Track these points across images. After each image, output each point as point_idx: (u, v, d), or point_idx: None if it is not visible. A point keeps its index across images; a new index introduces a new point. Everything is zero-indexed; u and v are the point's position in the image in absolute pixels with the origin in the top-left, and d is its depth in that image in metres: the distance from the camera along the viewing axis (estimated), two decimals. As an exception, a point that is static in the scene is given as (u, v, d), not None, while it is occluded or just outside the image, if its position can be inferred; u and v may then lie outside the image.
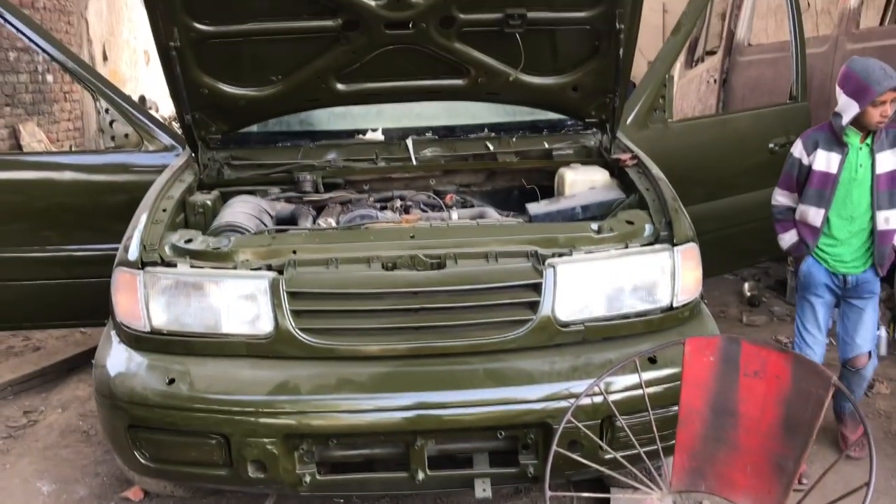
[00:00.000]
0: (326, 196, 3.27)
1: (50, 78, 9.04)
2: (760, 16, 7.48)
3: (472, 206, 3.31)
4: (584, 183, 3.15)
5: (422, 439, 2.33)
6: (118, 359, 2.49)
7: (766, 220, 4.44)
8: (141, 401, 2.36)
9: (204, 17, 2.89)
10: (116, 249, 3.31)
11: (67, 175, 3.70)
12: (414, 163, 3.41)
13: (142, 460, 2.45)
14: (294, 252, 2.47)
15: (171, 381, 2.36)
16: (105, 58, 10.66)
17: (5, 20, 3.57)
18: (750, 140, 4.21)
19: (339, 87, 3.21)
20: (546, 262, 2.44)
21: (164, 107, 12.15)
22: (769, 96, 5.96)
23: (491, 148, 3.50)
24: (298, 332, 2.36)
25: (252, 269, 2.44)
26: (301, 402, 2.30)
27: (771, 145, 4.21)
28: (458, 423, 2.32)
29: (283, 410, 2.29)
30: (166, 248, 2.54)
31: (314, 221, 3.06)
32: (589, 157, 3.48)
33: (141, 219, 2.72)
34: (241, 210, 2.92)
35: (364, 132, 3.58)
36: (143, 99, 10.94)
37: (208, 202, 3.04)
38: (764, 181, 4.34)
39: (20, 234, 3.70)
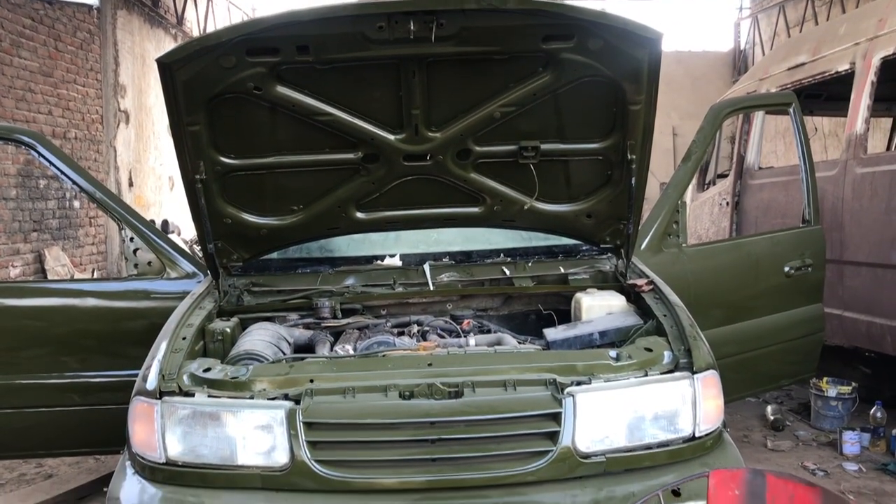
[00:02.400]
0: (344, 322, 3.30)
1: (77, 204, 9.33)
2: (769, 139, 7.67)
3: (489, 331, 3.32)
4: (600, 308, 3.16)
5: None
6: (132, 491, 2.46)
7: (786, 344, 4.44)
8: (154, 538, 2.31)
9: (229, 152, 3.00)
10: (134, 375, 3.33)
11: (90, 302, 3.76)
12: (431, 288, 3.45)
13: None
14: (311, 381, 2.47)
15: (188, 516, 2.32)
16: (131, 184, 11.00)
17: (40, 154, 3.72)
18: (765, 263, 4.24)
19: (359, 215, 3.30)
20: (565, 391, 2.42)
21: (187, 231, 12.42)
22: (782, 218, 6.03)
23: (507, 273, 3.54)
24: (314, 464, 2.33)
25: (268, 399, 2.44)
26: (320, 538, 2.24)
27: (786, 269, 4.23)
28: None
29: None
30: (184, 378, 2.55)
31: (332, 348, 3.07)
32: (605, 282, 3.51)
33: (160, 347, 2.74)
34: (260, 338, 2.94)
35: (382, 258, 3.63)
36: (165, 223, 11.21)
37: (227, 329, 3.07)
38: (781, 304, 4.35)
39: (40, 360, 3.72)
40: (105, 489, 4.54)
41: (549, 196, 3.28)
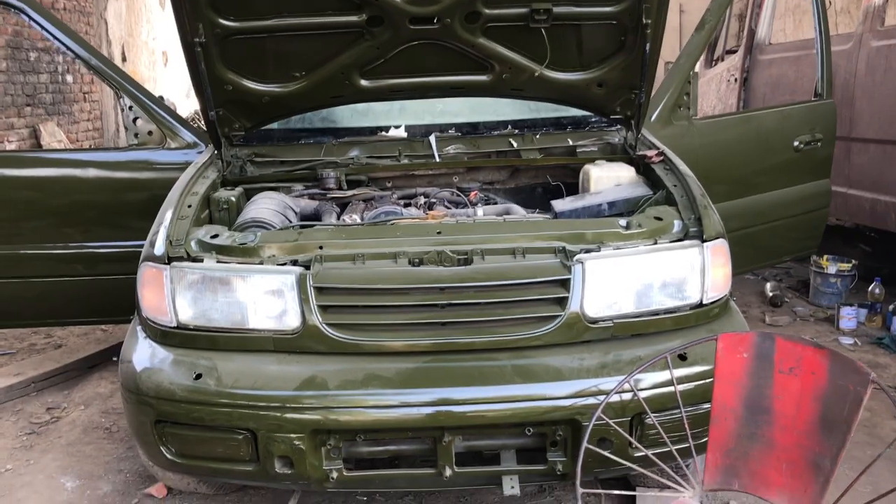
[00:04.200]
0: (350, 193, 3.26)
1: (70, 78, 9.10)
2: (779, 15, 7.43)
3: (496, 203, 3.29)
4: (609, 179, 3.12)
5: (449, 435, 2.31)
6: (144, 354, 2.48)
7: (790, 219, 4.43)
8: (168, 396, 2.35)
9: (228, 13, 2.88)
10: (138, 246, 3.32)
11: (90, 172, 3.71)
12: (437, 160, 3.40)
13: (168, 456, 2.45)
14: (320, 247, 2.46)
15: (198, 377, 2.35)
16: (124, 58, 10.71)
17: (31, 18, 3.59)
18: (775, 138, 4.18)
19: (363, 83, 3.20)
20: (574, 259, 2.42)
21: (182, 107, 12.20)
22: (791, 94, 5.91)
23: (514, 145, 3.48)
24: (325, 327, 2.35)
25: (278, 265, 2.44)
26: (328, 397, 2.28)
27: (796, 143, 4.17)
28: (485, 420, 2.29)
29: (311, 406, 2.27)
30: (192, 244, 2.53)
31: (338, 218, 3.05)
32: (613, 154, 3.46)
33: (166, 215, 2.71)
34: (266, 206, 2.92)
35: (386, 129, 3.56)
36: (161, 99, 11.00)
37: (232, 198, 3.04)
38: (788, 179, 4.32)
39: (42, 231, 3.71)
40: (115, 358, 4.66)
41: (560, 64, 3.17)
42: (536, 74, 3.17)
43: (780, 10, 7.02)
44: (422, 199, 3.17)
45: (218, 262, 2.48)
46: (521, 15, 2.96)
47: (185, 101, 12.50)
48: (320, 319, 2.35)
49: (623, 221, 2.57)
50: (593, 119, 3.63)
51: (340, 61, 3.09)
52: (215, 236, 2.56)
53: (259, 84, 3.17)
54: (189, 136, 3.67)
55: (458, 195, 3.18)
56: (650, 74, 3.13)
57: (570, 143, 3.51)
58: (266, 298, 2.41)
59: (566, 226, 2.61)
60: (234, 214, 3.03)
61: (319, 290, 2.37)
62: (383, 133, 3.55)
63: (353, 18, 2.93)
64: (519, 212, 2.92)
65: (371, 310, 2.39)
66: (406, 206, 3.16)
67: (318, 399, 2.28)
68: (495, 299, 2.37)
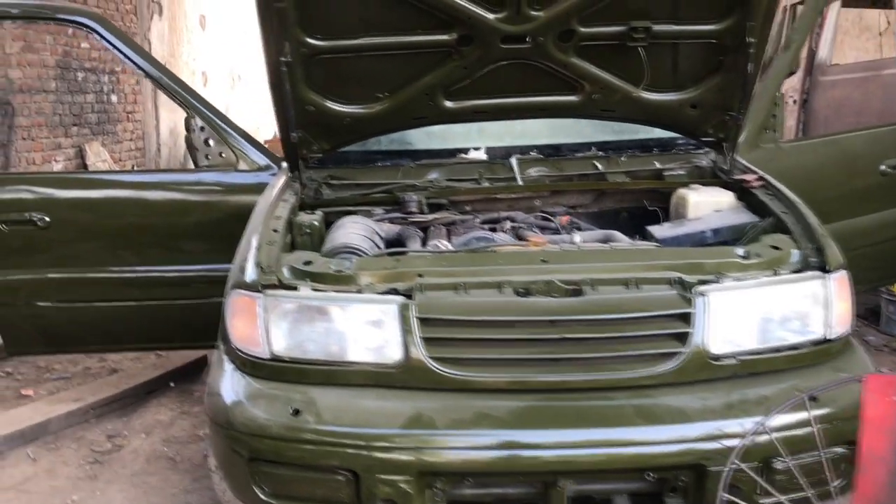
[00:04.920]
0: (431, 217, 3.14)
1: (115, 98, 9.12)
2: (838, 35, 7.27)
3: (581, 228, 3.15)
4: (708, 205, 2.97)
5: (563, 480, 2.16)
6: (235, 387, 2.36)
7: (874, 247, 4.25)
8: (263, 433, 2.22)
9: (316, 32, 2.80)
10: (208, 271, 3.22)
11: (159, 194, 3.62)
12: (520, 182, 3.27)
13: (261, 495, 2.31)
14: (420, 275, 2.34)
15: (297, 412, 2.22)
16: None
17: (102, 37, 3.52)
18: (861, 161, 4.01)
19: (447, 104, 3.10)
20: (694, 290, 2.27)
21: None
22: (857, 117, 5.73)
23: (600, 168, 3.35)
24: (430, 361, 2.21)
25: (378, 293, 2.31)
26: (437, 437, 2.14)
27: (882, 167, 4.00)
28: (605, 464, 2.15)
29: (419, 446, 2.13)
30: (284, 271, 2.42)
31: (423, 244, 2.93)
32: (702, 178, 3.32)
33: (252, 240, 2.60)
34: (355, 231, 2.80)
35: (466, 151, 3.45)
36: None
37: (315, 222, 2.93)
38: (873, 205, 4.14)
39: (104, 253, 3.63)
40: (171, 384, 4.56)
41: (653, 84, 3.05)
42: (634, 95, 3.04)
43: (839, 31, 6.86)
44: (508, 224, 3.04)
45: (313, 290, 2.36)
46: (618, 34, 2.85)
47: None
48: (425, 353, 2.22)
49: (741, 250, 2.42)
50: (680, 141, 3.49)
51: (426, 82, 2.99)
52: (309, 263, 2.44)
53: (341, 105, 3.07)
54: (261, 158, 3.58)
55: (550, 219, 3.05)
56: (749, 95, 2.99)
57: (658, 166, 3.38)
58: (366, 329, 2.28)
59: (680, 255, 2.47)
60: (316, 239, 2.92)
61: (423, 321, 2.24)
62: (463, 155, 3.43)
63: (443, 37, 2.83)
64: (622, 239, 2.78)
65: (478, 343, 2.26)
66: (491, 230, 3.04)
67: (426, 438, 2.14)
68: (611, 334, 2.23)
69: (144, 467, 3.62)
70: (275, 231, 2.66)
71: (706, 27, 2.85)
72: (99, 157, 8.60)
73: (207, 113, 3.55)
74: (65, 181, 3.78)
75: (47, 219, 3.49)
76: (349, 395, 2.27)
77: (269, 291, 2.36)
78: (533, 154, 3.41)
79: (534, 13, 2.73)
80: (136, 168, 9.61)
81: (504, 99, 3.12)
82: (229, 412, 2.30)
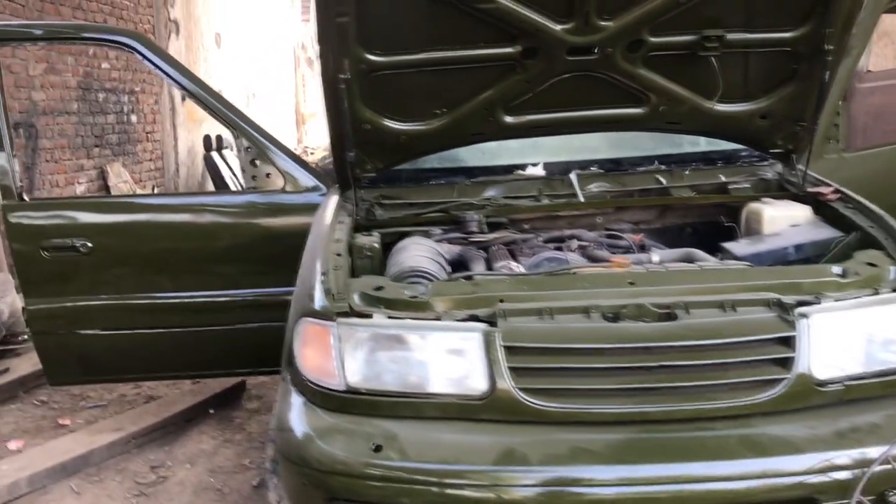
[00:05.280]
0: (491, 236, 3.03)
1: (134, 118, 9.06)
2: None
3: (646, 247, 3.02)
4: (784, 220, 2.85)
5: None
6: (309, 421, 2.23)
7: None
8: (344, 470, 2.09)
9: (376, 48, 2.70)
10: (259, 295, 3.08)
11: (206, 218, 3.51)
12: (581, 199, 3.15)
13: (342, 537, 2.18)
14: (501, 301, 2.21)
15: (378, 448, 2.08)
16: (183, 98, 10.67)
17: (144, 57, 3.43)
18: None
19: (507, 119, 3.00)
20: (795, 312, 2.14)
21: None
22: (898, 125, 5.60)
23: (663, 182, 3.23)
24: (519, 392, 2.08)
25: (458, 320, 2.19)
26: (534, 473, 2.00)
27: None
28: (712, 500, 2.01)
29: (516, 483, 1.99)
30: (355, 297, 2.29)
31: (487, 265, 2.81)
32: (768, 191, 3.20)
33: (317, 265, 2.48)
34: (420, 254, 2.69)
35: (523, 167, 3.33)
36: (220, 139, 10.90)
37: (375, 245, 2.82)
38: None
39: (152, 279, 3.51)
40: (211, 411, 4.44)
41: (723, 94, 2.94)
42: (703, 106, 2.93)
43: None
44: (575, 244, 2.92)
45: (388, 317, 2.23)
46: (689, 43, 2.75)
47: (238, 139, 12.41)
48: (512, 383, 2.09)
49: (837, 269, 2.29)
50: (744, 153, 3.37)
51: (486, 97, 2.89)
52: (380, 288, 2.32)
53: (398, 123, 2.97)
54: (309, 179, 3.46)
55: (623, 238, 2.92)
56: (823, 105, 2.88)
57: (722, 179, 3.26)
58: (447, 359, 2.16)
59: (774, 274, 2.33)
60: (376, 262, 2.81)
61: (509, 350, 2.11)
62: (520, 172, 3.32)
63: (507, 50, 2.74)
64: (704, 257, 2.65)
65: (567, 372, 2.13)
66: (556, 249, 2.92)
67: (522, 475, 2.00)
68: (709, 360, 2.09)
69: (192, 500, 3.50)
70: (338, 255, 2.55)
71: (782, 35, 2.74)
72: (120, 177, 8.52)
73: (253, 132, 3.45)
74: (108, 206, 3.68)
75: (90, 244, 3.39)
76: (430, 429, 2.14)
77: (342, 319, 2.24)
78: (593, 169, 3.30)
79: (603, 23, 2.63)
80: (155, 188, 9.54)
81: (565, 113, 3.01)
82: (304, 448, 2.17)
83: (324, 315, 2.26)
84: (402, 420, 2.17)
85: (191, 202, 3.66)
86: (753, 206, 2.96)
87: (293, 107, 18.37)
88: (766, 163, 3.32)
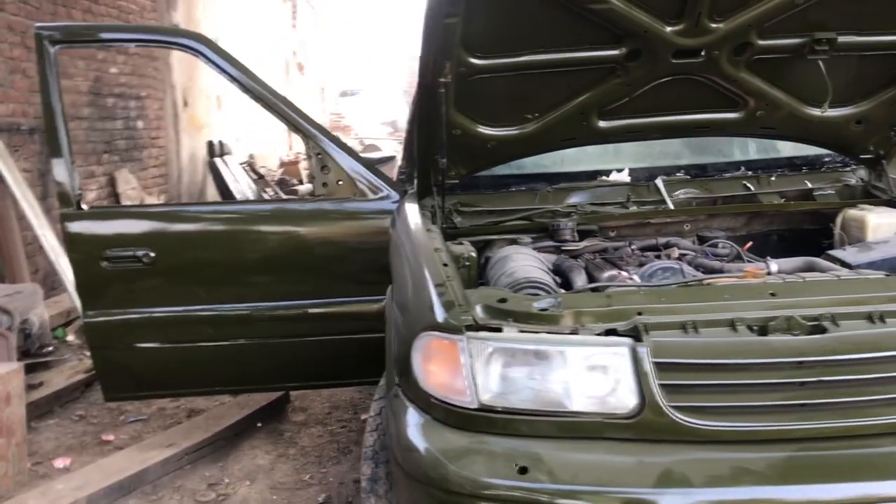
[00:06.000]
0: (583, 244, 2.94)
1: (140, 124, 8.87)
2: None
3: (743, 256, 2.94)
4: (890, 227, 2.79)
5: None
6: (440, 441, 2.10)
7: None
8: (490, 495, 1.97)
9: (478, 51, 2.61)
10: (334, 304, 2.97)
11: (274, 226, 3.39)
12: (671, 206, 3.08)
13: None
14: (639, 314, 2.12)
15: (524, 470, 1.98)
16: (185, 103, 10.51)
17: (206, 58, 3.31)
18: None
19: (600, 124, 2.92)
20: None
21: (237, 151, 11.97)
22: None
23: (751, 188, 3.16)
24: (671, 410, 1.99)
25: (597, 335, 2.09)
26: (697, 495, 1.91)
27: None
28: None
29: (678, 506, 1.90)
30: (478, 310, 2.18)
31: (588, 275, 2.71)
32: (853, 198, 3.15)
33: (425, 274, 2.38)
34: (529, 263, 2.59)
35: (607, 173, 3.25)
36: (221, 145, 10.75)
37: (473, 254, 2.73)
38: None
39: (216, 290, 3.39)
40: (258, 424, 4.30)
41: (818, 99, 2.88)
42: (800, 111, 2.87)
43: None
44: (676, 252, 2.83)
45: (520, 331, 2.13)
46: (798, 46, 2.68)
47: (236, 145, 12.25)
48: (664, 401, 1.99)
49: None
50: (827, 158, 3.32)
51: (583, 101, 2.81)
52: (503, 300, 2.22)
53: (488, 128, 2.88)
54: (381, 186, 3.35)
55: (732, 246, 2.84)
56: None
57: (808, 185, 3.20)
58: (590, 375, 2.05)
59: None
60: (473, 272, 2.71)
61: (659, 366, 2.02)
62: (604, 178, 3.23)
63: (611, 53, 2.65)
64: (825, 266, 2.57)
65: (717, 389, 2.03)
66: (657, 258, 2.83)
67: (685, 498, 1.91)
68: (867, 374, 2.01)
69: (260, 519, 3.37)
70: (445, 265, 2.44)
71: (893, 37, 2.68)
72: (129, 184, 8.32)
73: (323, 137, 3.34)
74: (172, 214, 3.54)
75: (152, 254, 3.25)
76: (574, 449, 2.03)
77: (471, 333, 2.12)
78: (679, 175, 3.22)
79: (713, 25, 2.56)
80: (161, 195, 9.35)
81: (660, 117, 2.94)
82: (440, 470, 2.04)
83: (450, 329, 2.14)
84: (539, 440, 2.06)
85: (259, 209, 3.53)
86: (853, 212, 2.90)
87: (284, 112, 18.20)
88: (848, 168, 3.27)
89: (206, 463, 3.89)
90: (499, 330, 2.13)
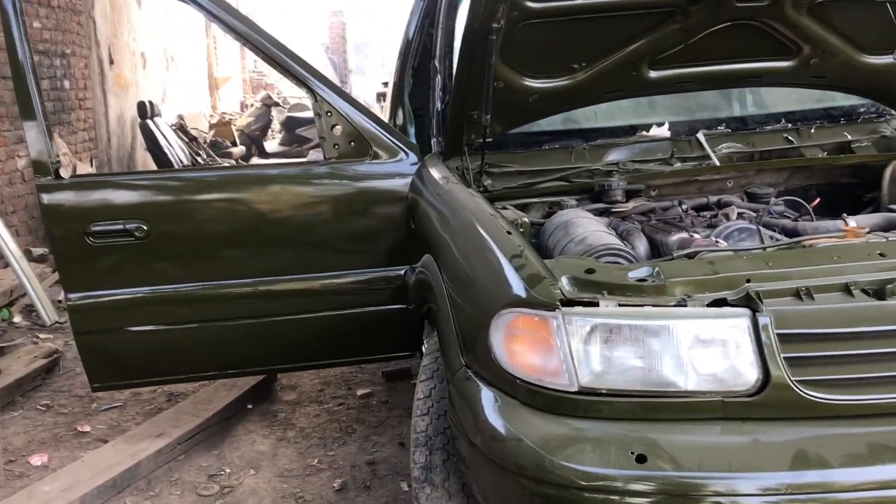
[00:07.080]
0: (631, 205, 2.75)
1: (67, 84, 8.22)
2: None
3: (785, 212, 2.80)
4: (950, 182, 2.69)
5: None
6: (533, 429, 1.88)
7: None
8: (606, 487, 1.77)
9: None
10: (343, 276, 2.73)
11: (284, 189, 3.05)
12: (716, 162, 2.91)
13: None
14: (748, 281, 1.93)
15: (642, 459, 1.78)
16: (111, 61, 9.83)
17: (198, 5, 2.93)
18: None
19: (651, 73, 2.71)
20: None
21: (166, 112, 11.29)
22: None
23: (793, 141, 3.02)
24: (798, 385, 1.82)
25: (707, 306, 1.89)
26: (838, 477, 1.74)
27: None
28: None
29: (821, 490, 1.73)
30: (564, 282, 1.96)
31: (649, 240, 2.52)
32: (889, 149, 3.05)
33: (491, 244, 2.14)
34: (598, 229, 2.37)
35: (647, 128, 3.05)
36: (151, 105, 10.10)
37: (525, 219, 2.50)
38: None
39: (219, 264, 3.07)
40: (249, 406, 4.00)
41: (875, 46, 2.74)
42: (854, 59, 2.72)
43: None
44: (734, 211, 2.66)
45: (619, 305, 1.91)
46: None
47: (163, 105, 11.56)
48: (790, 375, 1.82)
49: None
50: (861, 109, 3.20)
51: (636, 48, 2.60)
52: (591, 271, 2.00)
53: (531, 80, 2.64)
54: (397, 146, 3.06)
55: (798, 201, 2.68)
56: None
57: (847, 137, 3.07)
58: (705, 351, 1.86)
59: None
60: (527, 238, 2.48)
61: (782, 338, 1.84)
62: (644, 133, 3.03)
63: None
64: (902, 221, 2.45)
65: (838, 360, 1.87)
66: (713, 218, 2.67)
67: (827, 481, 1.74)
68: None
69: (277, 512, 3.11)
70: (508, 233, 2.20)
71: None
72: (59, 149, 7.70)
73: (334, 94, 3.01)
74: (167, 182, 3.13)
75: (145, 227, 2.90)
76: (690, 432, 1.84)
77: (566, 309, 1.90)
78: (720, 128, 3.05)
79: None
80: (93, 161, 8.74)
81: (712, 66, 2.75)
82: (542, 462, 1.82)
83: (540, 304, 1.91)
84: (649, 423, 1.86)
85: (265, 174, 3.16)
86: (901, 166, 2.78)
87: (206, 70, 17.34)
88: (882, 119, 3.16)
89: (200, 451, 3.58)
90: (595, 304, 1.91)
